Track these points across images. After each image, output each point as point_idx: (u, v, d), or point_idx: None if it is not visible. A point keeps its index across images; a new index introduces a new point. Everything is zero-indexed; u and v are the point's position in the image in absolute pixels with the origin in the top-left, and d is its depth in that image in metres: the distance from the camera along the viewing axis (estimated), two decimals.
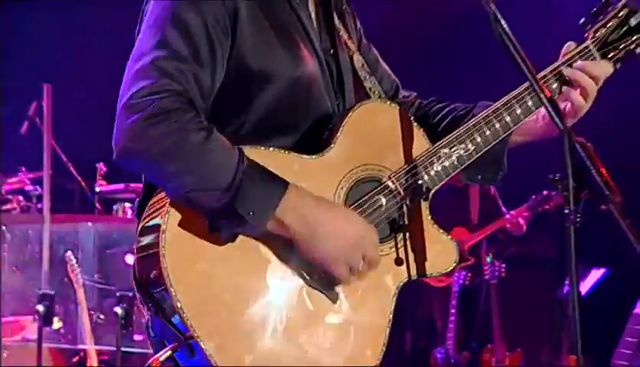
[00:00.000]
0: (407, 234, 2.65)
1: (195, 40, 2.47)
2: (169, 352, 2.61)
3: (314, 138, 2.65)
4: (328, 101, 2.70)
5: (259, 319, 2.47)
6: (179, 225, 2.44)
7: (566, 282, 7.46)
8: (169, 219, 2.42)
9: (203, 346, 2.36)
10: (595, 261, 8.31)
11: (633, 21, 2.81)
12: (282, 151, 2.53)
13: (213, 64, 2.52)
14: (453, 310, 7.79)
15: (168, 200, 2.45)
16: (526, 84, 2.69)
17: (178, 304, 2.34)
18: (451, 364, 7.82)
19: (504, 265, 8.16)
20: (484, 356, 7.79)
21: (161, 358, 3.74)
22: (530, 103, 2.74)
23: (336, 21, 2.84)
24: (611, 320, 7.32)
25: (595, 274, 8.15)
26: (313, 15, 2.79)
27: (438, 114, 2.89)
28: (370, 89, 2.83)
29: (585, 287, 8.19)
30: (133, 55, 2.51)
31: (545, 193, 8.68)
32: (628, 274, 7.68)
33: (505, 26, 2.46)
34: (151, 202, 2.52)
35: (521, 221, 8.67)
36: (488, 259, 9.03)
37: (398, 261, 2.63)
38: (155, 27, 2.49)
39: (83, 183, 8.99)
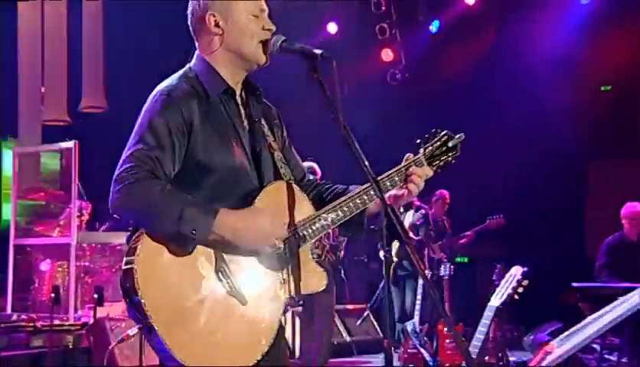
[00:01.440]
0: (292, 266, 2.75)
1: (161, 138, 2.61)
2: (136, 330, 3.07)
3: (241, 203, 2.71)
4: (252, 181, 2.78)
5: (195, 312, 2.58)
6: (147, 250, 2.56)
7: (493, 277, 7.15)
8: (142, 246, 2.55)
9: (156, 327, 2.49)
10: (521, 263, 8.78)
11: (450, 144, 3.02)
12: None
13: (173, 153, 2.63)
14: (419, 297, 7.85)
15: (144, 233, 2.57)
16: (378, 177, 2.87)
17: (142, 301, 2.49)
18: (417, 332, 7.71)
19: (453, 267, 7.99)
20: (439, 327, 7.72)
21: (131, 333, 4.40)
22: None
23: (265, 129, 2.90)
24: (532, 305, 7.87)
25: (521, 270, 8.49)
26: (246, 124, 2.84)
27: (325, 192, 3.00)
28: (283, 174, 2.87)
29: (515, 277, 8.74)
30: (125, 149, 2.66)
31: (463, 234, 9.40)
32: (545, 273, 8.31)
33: (355, 142, 2.63)
34: (135, 235, 2.62)
35: (438, 251, 9.05)
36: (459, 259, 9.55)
37: (283, 281, 2.74)
38: (138, 130, 2.65)
39: None
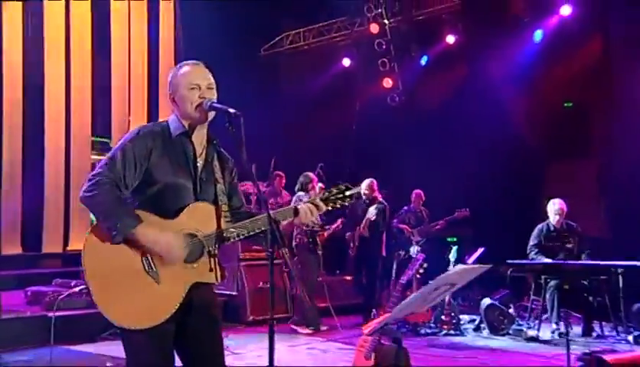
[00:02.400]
0: (202, 262, 2.80)
1: (127, 158, 2.73)
2: (78, 288, 3.27)
3: (175, 213, 2.79)
4: (191, 199, 2.84)
5: (118, 282, 2.68)
6: (94, 236, 2.70)
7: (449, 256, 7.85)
8: (90, 234, 2.70)
9: (91, 289, 2.66)
10: (478, 244, 8.37)
11: (348, 193, 3.01)
12: (154, 215, 2.75)
13: (135, 170, 2.75)
14: (393, 273, 8.04)
15: (95, 224, 2.72)
16: (279, 210, 2.93)
17: (84, 267, 2.67)
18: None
19: (419, 248, 8.09)
20: (407, 293, 8.14)
21: (77, 289, 4.57)
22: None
23: (216, 168, 2.95)
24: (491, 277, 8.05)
25: (479, 251, 8.18)
26: (201, 160, 2.91)
27: (247, 214, 3.00)
28: (220, 200, 2.90)
29: (473, 257, 8.14)
30: (103, 159, 2.79)
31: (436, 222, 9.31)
32: (494, 252, 8.02)
33: (258, 184, 2.84)
34: (91, 226, 2.77)
35: (417, 235, 9.08)
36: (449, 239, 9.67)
37: (200, 266, 2.80)
38: (115, 150, 2.76)
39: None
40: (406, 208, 9.30)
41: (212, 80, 2.91)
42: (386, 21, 11.59)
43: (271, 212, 2.78)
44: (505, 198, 10.10)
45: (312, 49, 12.71)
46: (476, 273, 3.27)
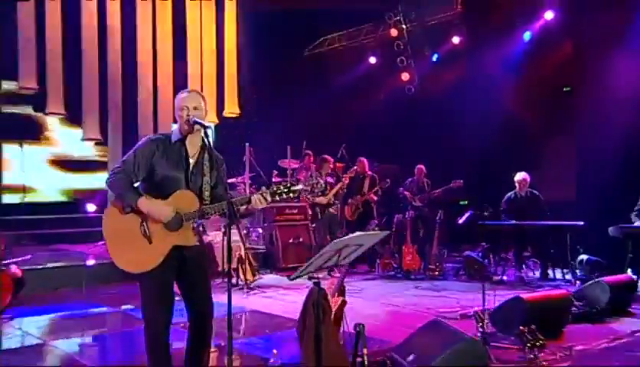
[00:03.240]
0: (183, 230, 3.03)
1: (137, 158, 3.00)
2: (102, 242, 3.21)
3: (166, 197, 3.02)
4: (182, 187, 3.09)
5: (122, 240, 2.97)
6: (110, 208, 3.01)
7: (437, 219, 8.15)
8: (109, 207, 3.02)
9: (107, 244, 2.95)
10: (469, 207, 8.71)
11: (292, 188, 3.12)
12: (151, 197, 3.02)
13: (144, 166, 3.01)
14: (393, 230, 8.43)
15: (111, 201, 3.04)
16: (238, 197, 3.11)
17: (103, 230, 2.96)
18: (391, 250, 8.43)
19: (412, 212, 8.57)
20: (403, 247, 8.19)
21: (100, 243, 4.71)
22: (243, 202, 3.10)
23: (205, 166, 3.13)
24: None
25: (467, 214, 8.38)
26: (194, 160, 3.12)
27: (222, 200, 3.09)
28: (204, 188, 3.11)
29: (464, 217, 8.39)
30: (123, 156, 3.05)
31: (435, 190, 9.14)
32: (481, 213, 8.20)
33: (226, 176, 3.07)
34: (109, 202, 3.06)
35: (418, 201, 9.08)
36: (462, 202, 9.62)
37: (181, 233, 3.02)
38: (130, 151, 3.03)
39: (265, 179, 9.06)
40: (410, 179, 9.53)
41: (199, 103, 3.11)
42: (404, 26, 11.86)
43: (232, 199, 3.07)
44: (503, 167, 9.80)
45: (345, 49, 12.97)
46: (378, 237, 3.40)
